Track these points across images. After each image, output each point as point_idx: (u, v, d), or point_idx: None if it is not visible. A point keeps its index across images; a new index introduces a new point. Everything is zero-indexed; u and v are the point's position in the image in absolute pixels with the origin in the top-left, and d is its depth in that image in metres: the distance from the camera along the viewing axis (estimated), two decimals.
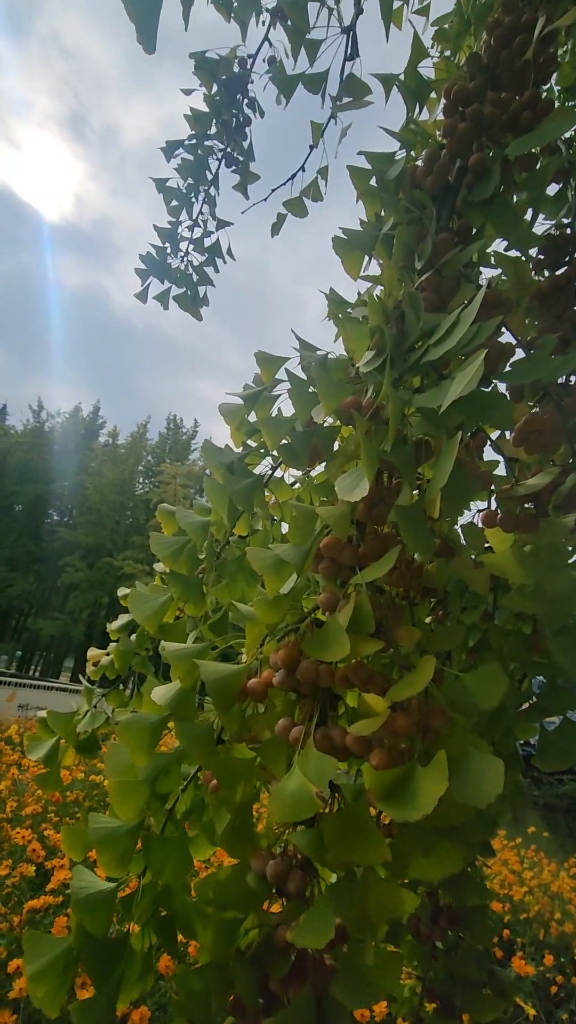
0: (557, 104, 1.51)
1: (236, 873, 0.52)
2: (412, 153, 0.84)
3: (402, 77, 0.75)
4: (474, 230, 0.75)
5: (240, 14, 0.74)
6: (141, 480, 33.34)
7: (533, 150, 0.82)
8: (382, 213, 0.71)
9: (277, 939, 0.48)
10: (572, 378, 0.79)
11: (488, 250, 0.87)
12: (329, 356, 0.67)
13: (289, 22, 0.83)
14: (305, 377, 0.65)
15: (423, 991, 0.79)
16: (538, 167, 0.97)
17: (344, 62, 1.06)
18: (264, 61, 1.33)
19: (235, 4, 0.72)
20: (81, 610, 27.33)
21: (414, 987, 0.90)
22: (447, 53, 0.83)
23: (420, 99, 0.76)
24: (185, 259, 1.31)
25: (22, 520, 30.01)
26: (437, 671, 0.62)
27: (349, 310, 0.67)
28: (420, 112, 0.77)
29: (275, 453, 0.64)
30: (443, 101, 0.76)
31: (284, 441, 0.60)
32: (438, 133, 0.76)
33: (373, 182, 0.71)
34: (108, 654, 0.99)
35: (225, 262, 1.36)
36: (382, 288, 0.62)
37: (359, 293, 0.70)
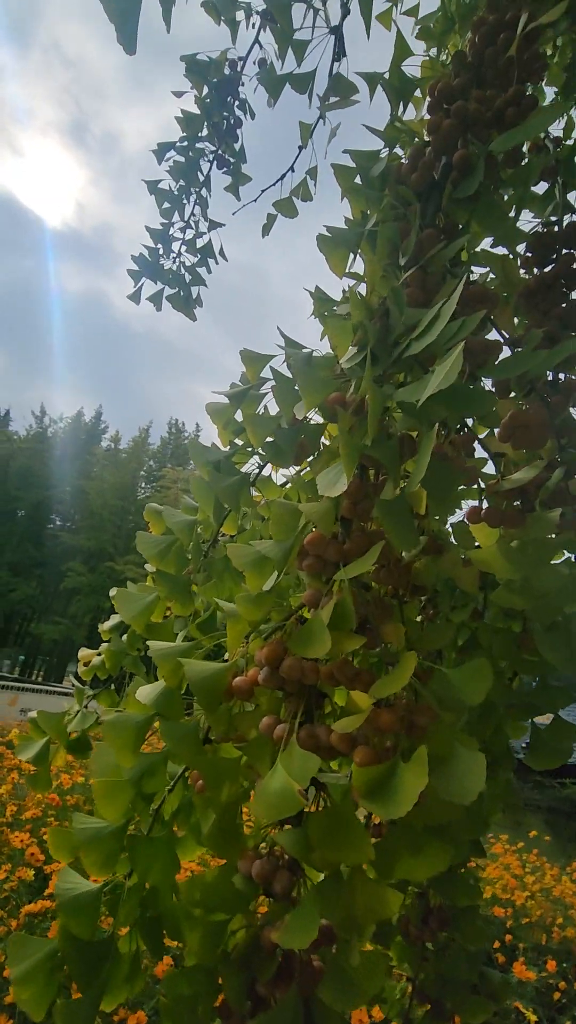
0: (550, 101, 1.51)
1: (223, 874, 0.52)
2: (400, 150, 0.84)
3: (386, 76, 0.75)
4: (459, 227, 0.75)
5: (223, 12, 0.74)
6: (143, 485, 33.39)
7: (520, 146, 0.83)
8: (367, 211, 0.71)
9: (263, 940, 0.48)
10: (561, 374, 0.79)
11: (476, 248, 0.87)
12: (315, 353, 0.67)
13: (276, 24, 0.83)
14: (290, 375, 0.65)
15: (413, 992, 0.79)
16: (525, 164, 0.97)
17: (332, 62, 1.06)
18: (255, 63, 1.33)
19: (216, 2, 0.72)
20: (83, 615, 27.33)
21: (404, 988, 0.89)
22: (432, 51, 0.83)
23: (404, 97, 0.76)
24: (177, 260, 1.31)
25: (24, 525, 30.05)
26: (424, 668, 0.61)
27: (334, 308, 0.67)
28: (405, 110, 0.77)
29: (261, 451, 0.63)
30: (428, 99, 0.76)
31: (269, 439, 0.60)
32: (424, 131, 0.76)
33: (358, 180, 0.71)
34: (99, 654, 0.98)
35: (217, 263, 1.36)
36: (366, 285, 0.62)
37: (343, 291, 0.70)
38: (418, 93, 0.88)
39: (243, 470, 0.74)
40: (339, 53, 0.96)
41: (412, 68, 0.86)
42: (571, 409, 0.76)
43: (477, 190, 0.75)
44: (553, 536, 0.56)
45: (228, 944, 0.51)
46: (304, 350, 0.69)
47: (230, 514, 0.71)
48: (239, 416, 0.72)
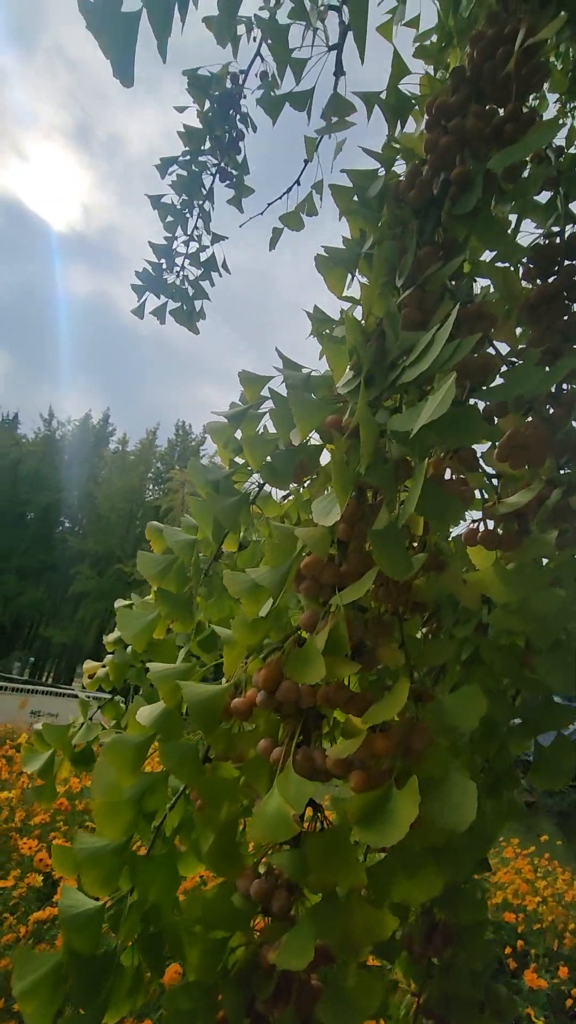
0: (556, 107, 1.51)
1: (223, 892, 0.53)
2: (402, 163, 0.84)
3: (383, 95, 0.76)
4: (459, 242, 0.75)
5: (218, 34, 0.75)
6: (151, 487, 33.54)
7: (519, 163, 0.83)
8: (365, 231, 0.71)
9: (261, 959, 0.49)
10: (565, 386, 0.79)
11: (480, 258, 0.87)
12: (313, 374, 0.68)
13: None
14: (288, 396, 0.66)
15: (418, 1009, 0.79)
16: (526, 176, 0.97)
17: (336, 79, 1.07)
18: (256, 75, 1.34)
19: (214, 25, 0.73)
20: (92, 618, 27.50)
21: (409, 1004, 0.89)
22: (430, 68, 0.83)
23: (401, 116, 0.77)
24: (181, 274, 1.32)
25: (34, 529, 30.30)
26: (425, 690, 0.62)
27: (332, 328, 0.68)
28: (403, 129, 0.78)
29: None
30: (426, 116, 0.76)
31: (267, 460, 0.61)
32: (422, 147, 0.77)
33: (356, 199, 0.71)
34: (104, 666, 0.99)
35: (221, 275, 1.37)
36: (362, 308, 0.63)
37: (342, 311, 0.70)
38: (416, 108, 0.89)
39: (245, 487, 0.75)
40: (339, 70, 0.97)
41: (412, 83, 0.87)
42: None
43: (476, 206, 0.75)
44: (549, 558, 0.56)
45: (228, 961, 0.52)
46: (303, 371, 0.69)
47: (228, 533, 0.72)
48: (239, 434, 0.73)
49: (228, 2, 0.65)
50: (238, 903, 0.51)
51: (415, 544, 0.86)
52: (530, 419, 0.65)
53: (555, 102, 1.76)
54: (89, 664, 1.05)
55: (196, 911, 0.51)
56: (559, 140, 1.02)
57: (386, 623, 0.69)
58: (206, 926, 0.51)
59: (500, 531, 0.57)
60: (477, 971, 0.84)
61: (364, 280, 0.63)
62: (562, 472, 0.62)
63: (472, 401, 0.67)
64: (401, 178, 0.76)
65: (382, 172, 0.75)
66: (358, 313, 0.65)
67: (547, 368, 0.70)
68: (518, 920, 3.90)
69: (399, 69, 0.76)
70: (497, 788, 0.82)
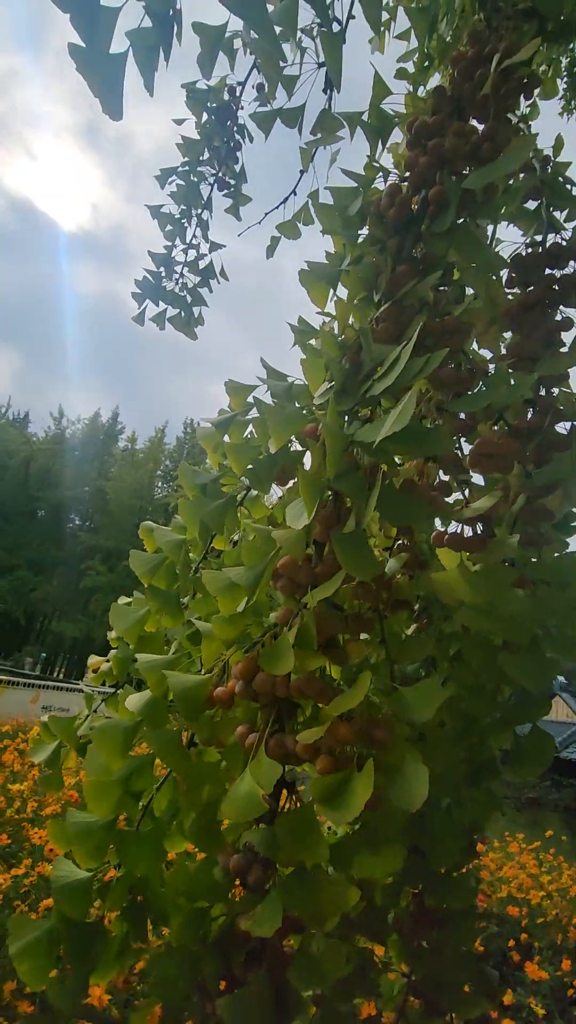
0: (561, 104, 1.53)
1: (205, 866, 0.57)
2: (393, 178, 0.87)
3: (365, 117, 0.79)
4: (440, 257, 0.78)
5: (201, 66, 0.78)
6: (160, 484, 33.77)
7: (495, 181, 0.86)
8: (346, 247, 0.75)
9: (237, 927, 0.53)
10: (542, 389, 0.82)
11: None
12: (296, 383, 0.72)
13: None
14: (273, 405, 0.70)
15: (408, 989, 0.83)
16: (512, 184, 1.00)
17: (328, 94, 1.10)
18: (253, 87, 1.38)
19: (198, 58, 0.77)
20: (103, 613, 27.74)
21: (402, 986, 0.93)
22: (410, 88, 0.86)
23: (383, 136, 0.80)
24: (180, 281, 1.37)
25: (45, 525, 30.66)
26: (388, 686, 0.65)
27: (313, 341, 0.71)
28: (383, 148, 0.81)
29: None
30: (406, 136, 0.80)
31: (250, 465, 0.65)
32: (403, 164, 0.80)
33: (338, 216, 0.75)
34: (108, 661, 1.04)
35: (219, 282, 1.41)
36: (337, 324, 0.67)
37: (323, 323, 0.74)
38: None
39: (234, 489, 0.79)
40: (328, 86, 1.00)
41: (397, 102, 0.89)
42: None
43: (454, 223, 0.78)
44: (511, 560, 0.60)
45: (209, 929, 0.56)
46: (286, 381, 0.73)
47: (218, 533, 0.76)
48: (228, 439, 0.77)
49: (210, 42, 0.69)
50: (218, 876, 0.56)
51: (400, 544, 0.90)
52: (497, 428, 0.68)
53: (559, 98, 1.78)
54: (94, 659, 1.10)
55: (181, 883, 0.56)
56: (548, 149, 1.04)
57: (366, 620, 0.73)
58: (189, 897, 0.56)
59: (467, 534, 0.61)
60: (466, 954, 0.87)
61: (336, 299, 0.67)
62: (526, 481, 0.65)
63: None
64: (384, 197, 0.79)
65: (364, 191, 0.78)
66: (335, 328, 0.69)
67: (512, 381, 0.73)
68: (521, 914, 3.93)
69: (381, 90, 0.79)
70: (478, 778, 0.85)
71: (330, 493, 0.62)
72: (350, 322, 0.68)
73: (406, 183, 0.79)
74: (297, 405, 0.65)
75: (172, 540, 0.70)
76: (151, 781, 0.59)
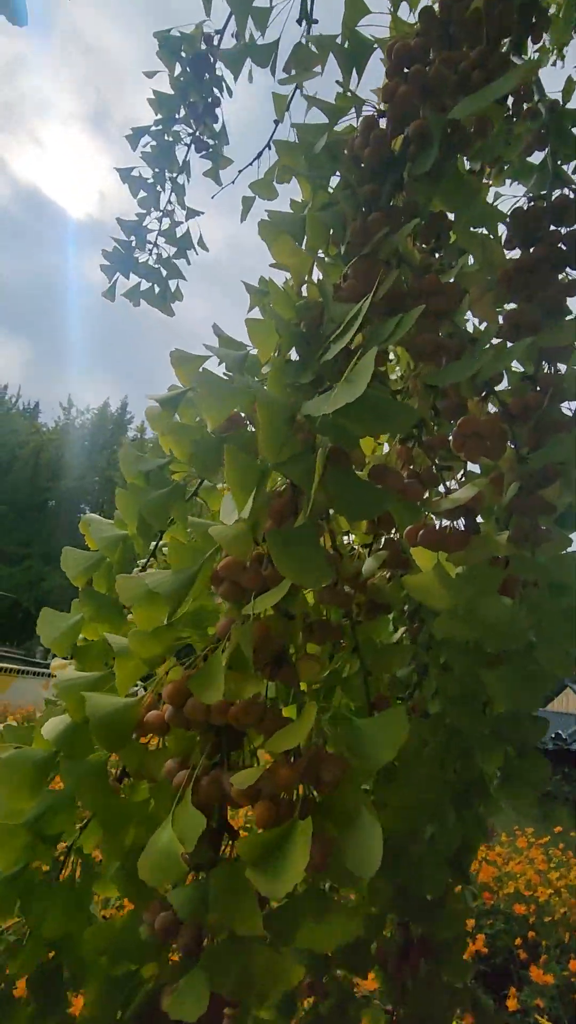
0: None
1: (132, 920, 0.48)
2: (369, 111, 0.76)
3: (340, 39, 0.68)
4: (421, 207, 0.67)
5: None
6: None
7: (491, 115, 0.74)
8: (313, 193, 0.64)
9: (162, 1003, 0.44)
10: (544, 365, 0.71)
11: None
12: (252, 353, 0.62)
13: None
14: (225, 377, 0.60)
15: None
16: (514, 132, 0.88)
17: (307, 28, 0.98)
18: (232, 36, 1.25)
19: None
20: None
21: (385, 1021, 0.84)
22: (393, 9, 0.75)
23: (358, 63, 0.68)
24: (153, 252, 1.26)
25: (55, 515, 30.86)
26: (384, 700, 0.56)
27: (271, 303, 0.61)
28: (359, 77, 0.70)
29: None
30: (387, 62, 0.68)
31: (192, 450, 0.55)
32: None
33: (303, 157, 0.64)
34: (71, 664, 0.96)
35: (197, 253, 1.31)
36: (292, 278, 0.56)
37: (285, 279, 0.63)
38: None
39: (185, 478, 0.69)
40: (303, 16, 0.88)
41: (381, 22, 0.77)
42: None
43: (441, 165, 0.67)
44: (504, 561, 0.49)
45: (133, 998, 0.48)
46: (243, 351, 0.63)
47: (173, 525, 0.66)
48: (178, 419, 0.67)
49: None
50: (144, 935, 0.47)
51: (386, 540, 0.79)
52: (484, 405, 0.57)
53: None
54: (57, 662, 1.02)
55: (102, 941, 0.47)
56: (555, 93, 0.92)
57: (333, 628, 0.63)
58: (111, 958, 0.47)
59: (445, 530, 0.51)
60: (456, 990, 0.79)
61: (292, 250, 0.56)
62: (525, 461, 0.55)
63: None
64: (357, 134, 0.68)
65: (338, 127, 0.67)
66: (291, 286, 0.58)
67: (507, 345, 0.62)
68: (529, 911, 3.86)
69: (356, 8, 0.67)
70: (466, 801, 0.76)
71: (287, 481, 0.52)
72: (313, 278, 0.57)
73: (384, 119, 0.68)
74: (247, 378, 0.55)
75: (108, 536, 0.60)
76: (72, 820, 0.50)
